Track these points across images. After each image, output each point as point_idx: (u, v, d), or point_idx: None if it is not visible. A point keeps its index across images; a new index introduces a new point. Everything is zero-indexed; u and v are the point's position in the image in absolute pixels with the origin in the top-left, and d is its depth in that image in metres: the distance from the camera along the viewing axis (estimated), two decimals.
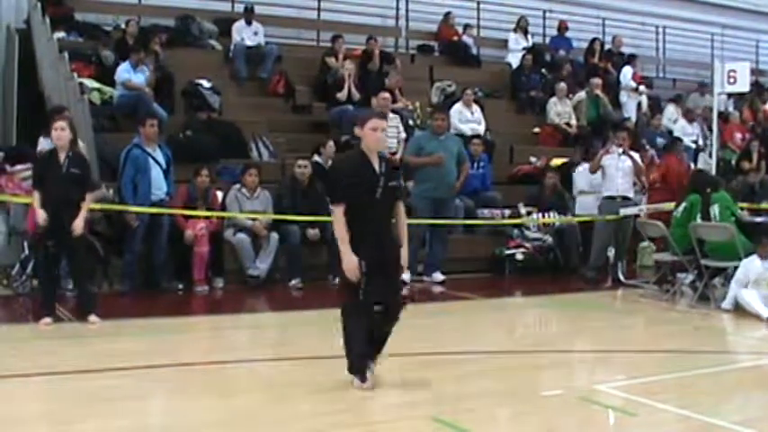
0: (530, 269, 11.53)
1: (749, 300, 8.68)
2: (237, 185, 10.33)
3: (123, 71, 11.67)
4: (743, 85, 12.17)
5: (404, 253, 5.54)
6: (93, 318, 7.73)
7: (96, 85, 11.79)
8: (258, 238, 10.11)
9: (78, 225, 7.63)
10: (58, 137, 7.69)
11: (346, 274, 5.32)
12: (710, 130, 14.25)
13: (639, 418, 5.13)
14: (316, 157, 11.15)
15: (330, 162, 11.39)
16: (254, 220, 10.15)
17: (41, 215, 7.58)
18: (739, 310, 8.82)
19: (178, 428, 4.96)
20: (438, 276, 10.71)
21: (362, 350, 5.47)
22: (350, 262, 5.30)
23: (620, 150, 11.05)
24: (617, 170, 11.12)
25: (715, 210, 9.53)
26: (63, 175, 7.65)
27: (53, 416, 5.08)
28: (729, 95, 16.09)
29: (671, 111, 16.49)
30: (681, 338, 7.96)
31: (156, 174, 9.73)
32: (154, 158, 9.72)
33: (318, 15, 16.11)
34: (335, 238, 5.46)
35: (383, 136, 5.52)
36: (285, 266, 10.27)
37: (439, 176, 10.70)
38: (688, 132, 15.87)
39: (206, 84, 12.40)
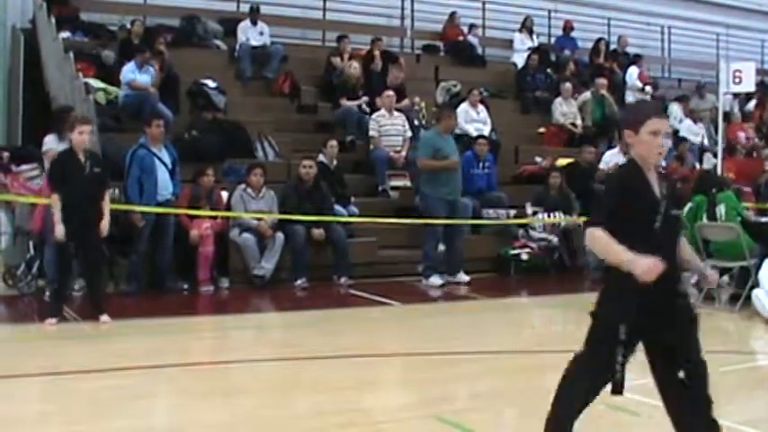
0: (535, 269, 11.52)
1: (761, 298, 8.44)
2: (243, 185, 10.33)
3: (128, 71, 11.68)
4: (748, 85, 12.17)
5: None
6: (104, 318, 7.74)
7: (101, 84, 11.80)
8: (263, 238, 10.10)
9: (105, 226, 7.74)
10: (80, 141, 7.65)
11: (643, 273, 3.52)
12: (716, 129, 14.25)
13: (643, 417, 5.12)
14: (321, 157, 11.16)
15: (335, 162, 11.42)
16: (259, 219, 10.16)
17: (60, 231, 7.51)
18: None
19: (182, 428, 4.96)
20: (463, 277, 10.63)
21: (571, 416, 4.15)
22: (642, 264, 3.52)
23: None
24: None
25: (721, 210, 9.49)
26: (86, 174, 7.67)
27: (57, 416, 5.08)
28: (735, 95, 16.07)
29: (675, 110, 16.46)
30: None
31: (162, 174, 9.72)
32: (160, 159, 9.72)
33: (324, 15, 16.12)
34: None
35: (668, 143, 3.85)
36: (290, 266, 10.27)
37: (454, 180, 10.65)
38: (694, 132, 15.84)
39: (211, 84, 12.41)
